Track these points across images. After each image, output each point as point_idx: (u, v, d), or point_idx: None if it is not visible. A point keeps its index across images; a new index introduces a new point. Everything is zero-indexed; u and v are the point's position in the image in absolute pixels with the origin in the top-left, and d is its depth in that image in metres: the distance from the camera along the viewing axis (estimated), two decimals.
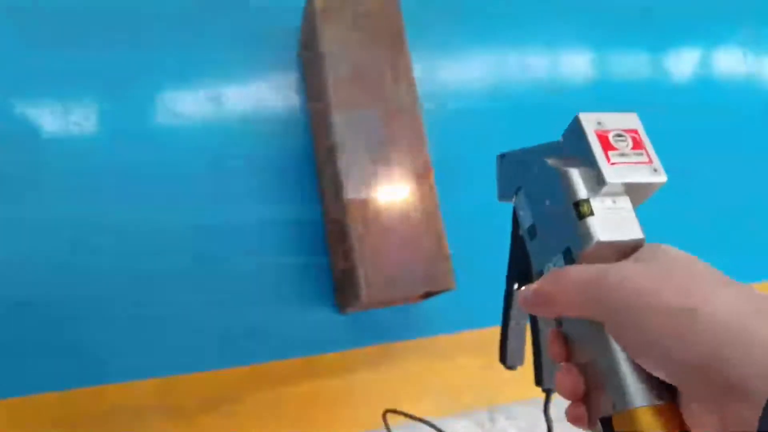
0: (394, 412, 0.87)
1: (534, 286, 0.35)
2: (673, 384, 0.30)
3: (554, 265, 0.35)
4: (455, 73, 1.34)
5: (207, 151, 1.15)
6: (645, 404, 0.31)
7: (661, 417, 0.30)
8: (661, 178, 0.34)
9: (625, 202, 0.34)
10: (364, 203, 0.99)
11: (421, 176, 1.03)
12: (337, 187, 1.01)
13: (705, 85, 1.52)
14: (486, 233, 1.16)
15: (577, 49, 1.43)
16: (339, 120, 1.01)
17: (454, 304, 1.03)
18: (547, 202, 0.37)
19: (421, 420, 0.83)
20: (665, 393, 0.31)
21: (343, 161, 1.01)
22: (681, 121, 1.33)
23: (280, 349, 1.07)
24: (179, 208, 1.10)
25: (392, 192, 1.01)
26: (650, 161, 0.34)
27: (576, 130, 0.35)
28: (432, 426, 0.85)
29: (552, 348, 0.36)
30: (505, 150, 0.45)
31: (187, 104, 1.17)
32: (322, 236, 1.14)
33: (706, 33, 1.56)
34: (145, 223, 1.07)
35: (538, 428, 1.14)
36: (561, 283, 0.33)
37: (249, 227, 1.12)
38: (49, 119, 1.10)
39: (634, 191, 0.34)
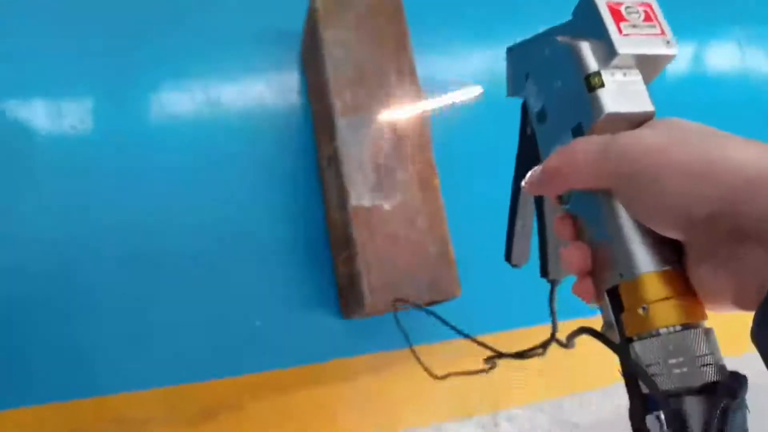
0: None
1: (541, 165, 0.35)
2: (684, 240, 0.30)
3: (563, 144, 0.35)
4: (459, 72, 1.32)
5: (207, 152, 1.13)
6: (652, 270, 0.31)
7: (668, 281, 0.31)
8: (673, 50, 0.34)
9: (636, 76, 0.34)
10: (368, 209, 0.98)
11: (426, 180, 1.02)
12: (341, 192, 1.00)
13: (699, 82, 1.52)
14: (491, 238, 1.15)
15: None
16: (343, 124, 1.00)
17: (459, 310, 1.02)
18: (557, 82, 0.37)
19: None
20: (672, 258, 0.31)
21: (347, 165, 0.99)
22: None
23: (282, 357, 1.06)
24: (178, 212, 1.08)
25: (396, 197, 1.00)
26: (663, 33, 0.34)
27: (587, 4, 0.34)
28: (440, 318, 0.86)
29: (559, 228, 0.36)
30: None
31: (187, 105, 1.15)
32: (325, 241, 1.12)
33: (701, 30, 1.55)
34: (143, 227, 1.06)
35: (538, 427, 1.14)
36: (569, 155, 0.33)
37: (250, 232, 1.10)
38: (45, 119, 1.07)
39: (645, 65, 0.34)
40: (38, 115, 1.08)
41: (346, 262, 1.02)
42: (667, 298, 0.30)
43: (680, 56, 1.60)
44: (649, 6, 0.34)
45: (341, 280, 1.08)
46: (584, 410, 1.16)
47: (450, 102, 1.21)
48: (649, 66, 0.34)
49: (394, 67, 1.05)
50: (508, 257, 0.52)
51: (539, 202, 0.45)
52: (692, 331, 0.30)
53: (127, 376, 1.00)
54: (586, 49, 0.34)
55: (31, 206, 1.03)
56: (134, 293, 1.03)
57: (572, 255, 0.34)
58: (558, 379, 1.17)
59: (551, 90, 0.38)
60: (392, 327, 1.09)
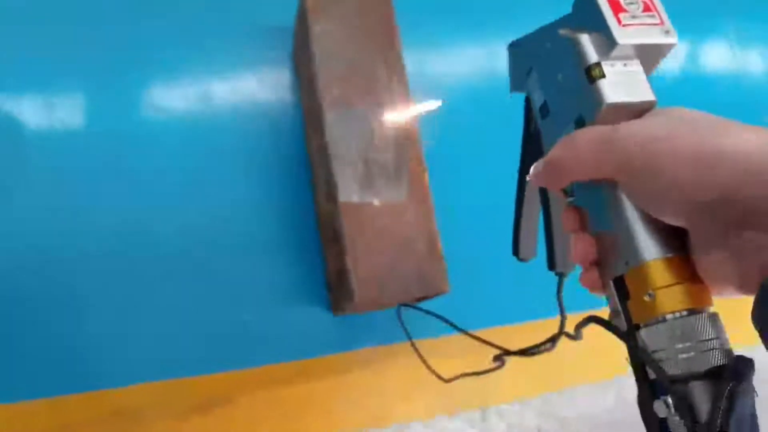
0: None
1: (544, 157, 0.35)
2: (688, 227, 0.30)
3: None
4: (447, 68, 1.32)
5: (197, 149, 1.13)
6: (657, 257, 0.31)
7: (673, 268, 0.31)
8: (672, 39, 0.34)
9: (636, 66, 0.34)
10: (357, 204, 0.98)
11: (414, 176, 1.02)
12: (330, 188, 1.00)
13: (691, 80, 1.52)
14: (480, 234, 1.16)
15: None
16: (331, 119, 1.00)
17: (448, 306, 1.02)
18: (559, 75, 0.37)
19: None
20: (677, 245, 0.31)
21: (336, 161, 0.99)
22: None
23: (272, 352, 1.06)
24: (168, 207, 1.08)
25: (385, 192, 1.00)
26: (662, 23, 0.34)
27: None
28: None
29: (565, 220, 0.36)
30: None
31: (178, 101, 1.15)
32: (315, 237, 1.12)
33: (693, 27, 1.55)
34: (133, 222, 1.05)
35: (527, 426, 1.15)
36: (571, 146, 0.33)
37: (240, 227, 1.10)
38: (35, 116, 1.07)
39: (645, 54, 0.34)
40: (28, 111, 1.07)
41: (336, 257, 1.02)
42: (672, 285, 0.31)
43: (673, 56, 1.61)
44: None
45: (331, 275, 1.08)
46: (572, 405, 1.17)
47: (438, 97, 1.21)
48: (649, 56, 0.35)
49: (383, 63, 1.04)
50: (515, 252, 0.52)
51: (544, 195, 0.46)
52: (698, 315, 0.30)
53: (118, 371, 1.00)
54: (586, 41, 0.34)
55: (21, 203, 1.03)
56: (124, 288, 1.03)
57: (578, 246, 0.35)
58: (546, 374, 1.18)
59: (553, 83, 0.38)
60: (382, 322, 1.09)
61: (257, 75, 1.20)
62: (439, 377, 0.94)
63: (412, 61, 1.07)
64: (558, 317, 0.58)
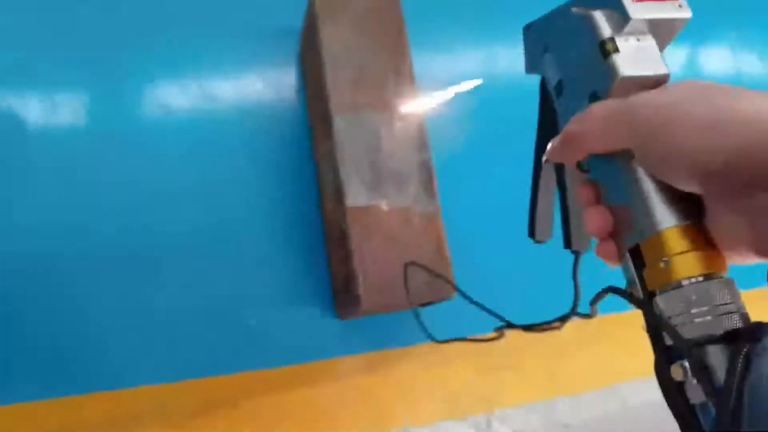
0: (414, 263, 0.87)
1: (561, 132, 0.36)
2: (702, 193, 0.30)
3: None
4: (456, 71, 1.32)
5: (202, 150, 1.12)
6: (672, 225, 0.31)
7: (688, 235, 0.31)
8: (686, 13, 0.34)
9: (649, 41, 0.34)
10: (365, 209, 0.98)
11: (422, 180, 1.02)
12: (337, 191, 1.00)
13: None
14: (487, 238, 1.16)
15: None
16: (340, 123, 1.00)
17: (454, 311, 1.02)
18: (573, 52, 0.37)
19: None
20: (692, 213, 0.32)
21: (344, 165, 0.99)
22: None
23: (277, 356, 1.06)
24: (173, 209, 1.08)
25: (393, 198, 1.00)
26: None
27: None
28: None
29: (581, 194, 0.37)
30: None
31: (184, 101, 1.15)
32: (321, 240, 1.12)
33: (695, 31, 1.55)
34: (137, 223, 1.05)
35: (531, 429, 1.14)
36: (587, 119, 0.34)
37: (245, 230, 1.10)
38: (38, 114, 1.06)
39: (658, 29, 0.35)
40: (31, 110, 1.07)
41: (342, 261, 1.02)
42: (687, 251, 0.31)
43: (674, 60, 1.61)
44: None
45: (337, 279, 1.08)
46: (576, 412, 1.16)
47: (447, 101, 1.21)
48: (662, 31, 0.35)
49: (392, 66, 1.04)
50: (531, 233, 0.52)
51: (560, 174, 0.46)
52: (714, 281, 0.30)
53: (120, 373, 1.00)
54: (599, 17, 0.35)
55: (21, 202, 1.02)
56: (127, 290, 1.02)
57: (594, 218, 0.35)
58: (551, 380, 1.18)
59: (568, 61, 0.39)
60: (387, 326, 1.09)
61: (263, 77, 1.20)
62: (432, 339, 0.93)
63: (420, 64, 1.07)
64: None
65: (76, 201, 1.04)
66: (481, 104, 1.26)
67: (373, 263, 0.96)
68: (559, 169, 0.46)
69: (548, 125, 0.42)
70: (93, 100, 1.10)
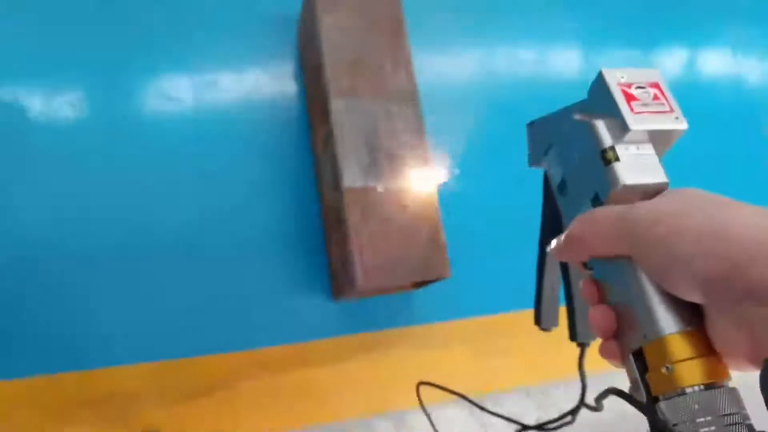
0: (429, 384, 0.87)
1: (565, 232, 0.37)
2: (700, 301, 0.31)
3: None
4: (453, 62, 1.34)
5: (203, 136, 1.14)
6: (674, 331, 0.32)
7: (690, 342, 0.31)
8: (683, 125, 0.36)
9: (649, 149, 0.36)
10: (362, 192, 0.99)
11: (418, 165, 1.03)
12: (335, 175, 1.01)
13: (693, 86, 1.53)
14: (481, 222, 1.17)
15: (570, 44, 1.45)
16: (338, 108, 1.01)
17: (448, 293, 1.04)
18: (576, 156, 0.39)
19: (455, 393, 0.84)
20: (694, 320, 0.32)
21: (341, 149, 1.00)
22: None
23: (274, 335, 1.07)
24: (173, 193, 1.10)
25: (389, 180, 1.01)
26: (671, 110, 0.36)
27: (600, 84, 0.37)
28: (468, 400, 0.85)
29: (585, 292, 0.37)
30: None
31: (184, 90, 1.16)
32: (318, 225, 1.14)
33: (696, 32, 1.57)
34: (139, 207, 1.07)
35: (525, 413, 1.16)
36: (590, 222, 0.35)
37: (244, 214, 1.11)
38: (45, 107, 1.08)
39: (657, 139, 0.36)
40: (38, 103, 1.09)
41: (339, 243, 1.04)
42: (690, 358, 0.31)
43: (674, 62, 1.62)
44: (657, 85, 0.36)
45: (334, 261, 1.10)
46: (569, 396, 1.18)
47: (443, 89, 1.22)
48: (661, 140, 0.36)
49: (390, 52, 1.06)
50: (537, 321, 0.52)
51: (565, 268, 0.47)
52: (718, 390, 0.30)
53: (119, 351, 1.01)
54: (601, 126, 0.36)
55: (32, 191, 1.04)
56: (129, 271, 1.04)
57: (598, 318, 0.35)
58: (545, 365, 1.19)
59: (570, 163, 0.40)
60: (382, 308, 1.10)
61: (261, 64, 1.22)
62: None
63: (418, 53, 1.09)
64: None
65: (82, 189, 1.06)
66: (478, 91, 1.28)
67: (370, 244, 0.97)
68: (564, 263, 0.47)
69: (551, 218, 0.43)
70: (94, 92, 1.12)
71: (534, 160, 0.45)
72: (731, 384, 0.31)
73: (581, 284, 0.38)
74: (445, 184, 1.05)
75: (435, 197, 1.03)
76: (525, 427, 0.72)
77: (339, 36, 1.05)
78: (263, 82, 1.21)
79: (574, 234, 0.36)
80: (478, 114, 1.24)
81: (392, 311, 1.03)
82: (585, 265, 0.38)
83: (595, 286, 0.37)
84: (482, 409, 0.65)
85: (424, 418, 1.05)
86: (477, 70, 1.31)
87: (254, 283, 1.09)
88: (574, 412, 0.58)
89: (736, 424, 0.29)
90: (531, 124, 0.45)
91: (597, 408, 0.45)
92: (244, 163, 1.15)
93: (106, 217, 1.05)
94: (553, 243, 0.37)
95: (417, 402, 0.99)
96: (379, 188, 1.00)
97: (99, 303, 1.02)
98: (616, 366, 0.35)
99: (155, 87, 1.15)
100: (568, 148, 0.40)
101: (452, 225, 1.04)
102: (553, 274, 0.49)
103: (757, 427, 0.29)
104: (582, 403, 0.55)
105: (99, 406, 0.99)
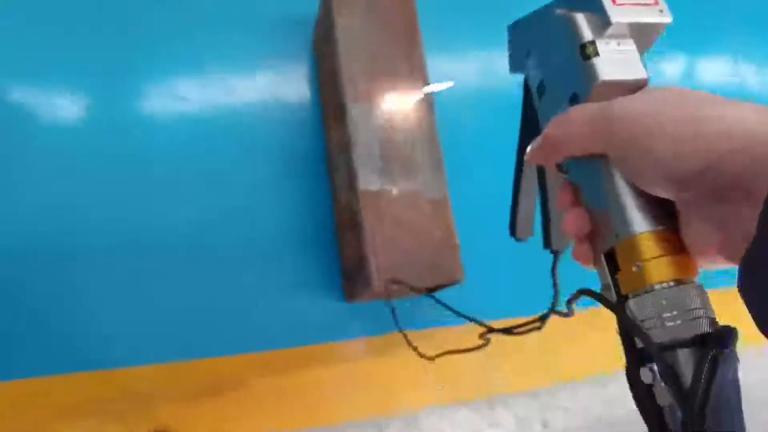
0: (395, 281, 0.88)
1: (541, 134, 0.36)
2: (675, 199, 0.31)
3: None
4: (467, 60, 1.34)
5: (217, 138, 1.14)
6: (645, 230, 0.32)
7: (661, 240, 0.32)
8: (667, 18, 0.35)
9: (630, 45, 0.35)
10: (377, 194, 1.00)
11: (432, 168, 1.04)
12: (351, 178, 1.02)
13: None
14: (495, 225, 1.17)
15: None
16: (354, 112, 1.02)
17: (461, 296, 1.04)
18: (555, 54, 0.38)
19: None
20: (666, 220, 0.32)
21: (357, 150, 1.01)
22: None
23: (286, 337, 1.08)
24: (187, 194, 1.10)
25: (403, 182, 1.02)
26: (656, 2, 0.35)
27: None
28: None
29: (560, 196, 0.37)
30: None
31: (198, 93, 1.17)
32: (331, 226, 1.14)
33: (696, 39, 1.57)
34: (150, 208, 1.07)
35: (533, 416, 1.16)
36: (565, 122, 0.34)
37: (257, 216, 1.12)
38: (58, 107, 1.09)
39: (639, 34, 0.35)
40: (48, 103, 1.09)
41: (353, 245, 1.04)
42: (660, 256, 0.32)
43: (675, 68, 1.62)
44: None
45: (347, 263, 1.10)
46: (575, 398, 1.18)
47: (456, 90, 1.23)
48: (643, 35, 0.35)
49: (405, 56, 1.07)
50: (512, 232, 0.52)
51: (541, 175, 0.47)
52: (685, 286, 0.31)
53: (133, 351, 1.01)
54: (581, 19, 0.35)
55: (39, 190, 1.04)
56: (143, 270, 1.04)
57: (572, 220, 0.36)
58: (551, 367, 1.20)
59: (549, 63, 0.39)
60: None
61: (276, 67, 1.22)
62: (423, 356, 0.95)
63: (432, 54, 1.10)
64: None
65: (92, 188, 1.06)
66: (490, 92, 1.28)
67: (384, 247, 0.98)
68: (541, 170, 0.47)
69: (531, 125, 0.42)
70: (107, 91, 1.12)
71: (515, 66, 0.44)
72: (698, 282, 0.32)
73: (558, 190, 0.38)
74: (458, 186, 1.05)
75: (448, 200, 1.03)
76: (491, 329, 0.71)
77: (355, 41, 1.06)
78: (278, 84, 1.21)
79: (551, 134, 0.35)
80: (491, 117, 1.25)
81: (405, 313, 1.03)
82: (561, 169, 0.38)
83: (570, 190, 0.37)
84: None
85: (436, 419, 1.06)
86: (491, 75, 1.31)
87: (267, 285, 1.09)
88: (543, 318, 0.58)
89: (699, 318, 0.30)
90: (511, 27, 0.44)
91: (568, 313, 0.46)
92: (255, 164, 1.15)
93: (118, 218, 1.05)
94: (530, 146, 0.37)
95: (425, 403, 0.99)
96: (394, 191, 1.01)
97: (115, 304, 1.02)
98: (588, 268, 0.36)
99: (168, 89, 1.15)
100: (548, 46, 0.39)
101: (465, 226, 1.04)
102: (529, 184, 0.48)
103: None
104: (553, 308, 0.55)
105: (111, 405, 0.99)
